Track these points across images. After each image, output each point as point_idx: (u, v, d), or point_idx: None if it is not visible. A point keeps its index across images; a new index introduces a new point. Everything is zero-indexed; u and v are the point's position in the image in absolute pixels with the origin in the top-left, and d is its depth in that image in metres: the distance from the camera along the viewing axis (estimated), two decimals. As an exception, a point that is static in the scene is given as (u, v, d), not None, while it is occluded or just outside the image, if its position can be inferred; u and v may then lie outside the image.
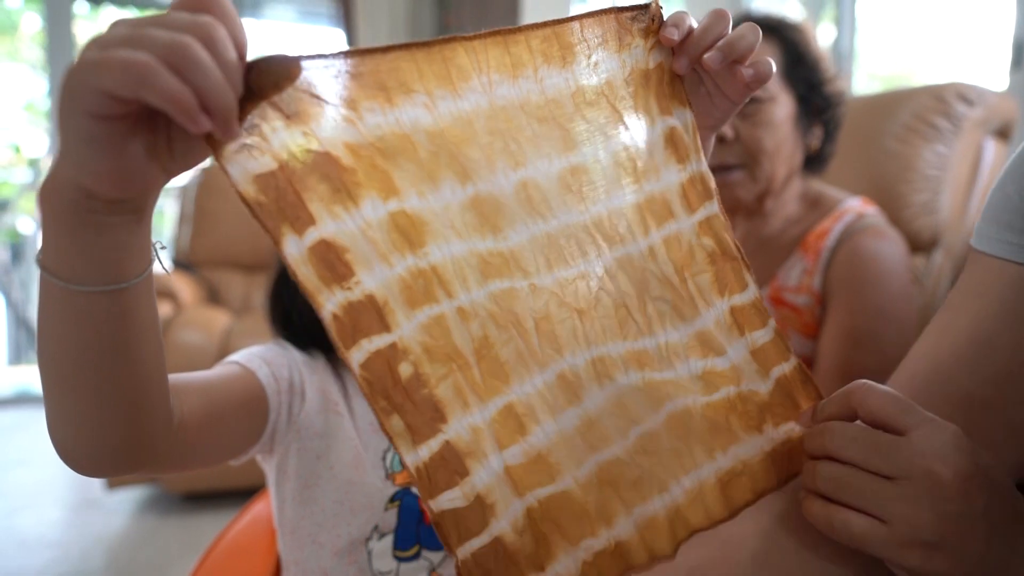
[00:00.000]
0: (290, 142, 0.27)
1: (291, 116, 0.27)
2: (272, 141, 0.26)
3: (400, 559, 0.51)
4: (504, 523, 0.30)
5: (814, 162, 0.84)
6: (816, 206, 0.85)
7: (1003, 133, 1.18)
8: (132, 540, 1.59)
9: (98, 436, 0.33)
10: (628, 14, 0.35)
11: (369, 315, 0.28)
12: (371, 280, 0.28)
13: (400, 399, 0.28)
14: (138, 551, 1.53)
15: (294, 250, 0.27)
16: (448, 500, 0.29)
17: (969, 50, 1.97)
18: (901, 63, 2.43)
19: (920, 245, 1.10)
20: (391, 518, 0.51)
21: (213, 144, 0.25)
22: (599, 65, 0.35)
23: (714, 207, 0.39)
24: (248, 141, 0.26)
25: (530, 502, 0.31)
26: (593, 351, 0.34)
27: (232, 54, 0.24)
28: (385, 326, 0.28)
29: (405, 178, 0.29)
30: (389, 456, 0.53)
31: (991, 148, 1.16)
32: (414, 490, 0.51)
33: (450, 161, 0.31)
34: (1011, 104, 1.16)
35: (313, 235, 0.27)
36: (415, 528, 0.51)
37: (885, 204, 1.09)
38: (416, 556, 0.51)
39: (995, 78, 1.51)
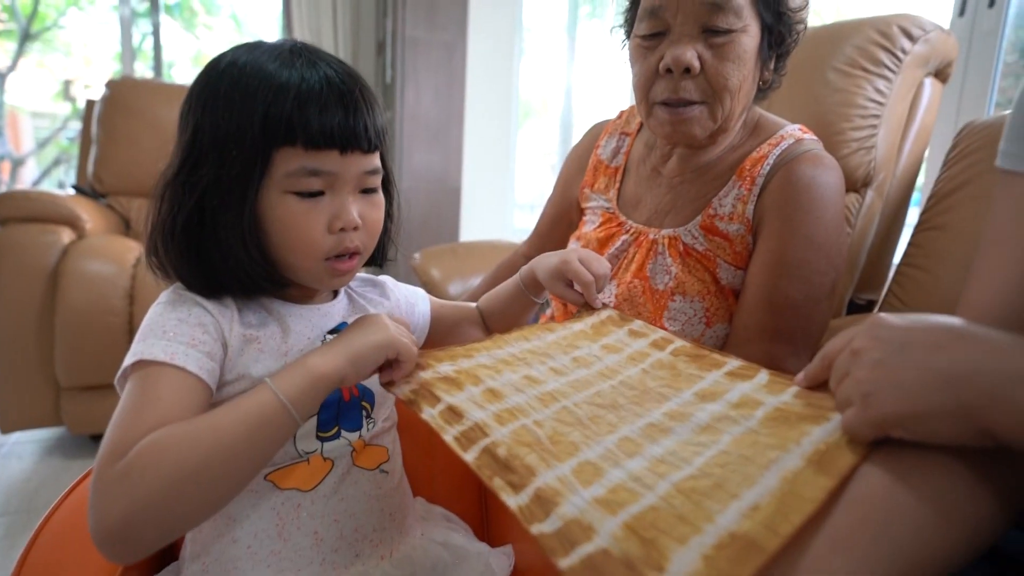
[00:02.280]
0: (424, 375, 0.51)
1: (425, 367, 0.52)
2: (415, 376, 0.51)
3: (322, 439, 0.55)
4: (605, 537, 0.35)
5: (762, 89, 0.79)
6: (755, 132, 0.81)
7: (941, 73, 1.16)
8: (37, 482, 1.49)
9: (186, 526, 0.46)
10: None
11: (475, 432, 0.44)
12: (475, 415, 0.46)
13: (499, 468, 0.41)
14: (44, 493, 1.43)
15: (430, 413, 0.47)
16: (546, 526, 0.36)
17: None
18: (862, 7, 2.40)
19: (854, 183, 1.09)
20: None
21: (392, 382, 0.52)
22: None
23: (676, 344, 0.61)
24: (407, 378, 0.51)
25: (625, 518, 0.36)
26: (640, 422, 0.47)
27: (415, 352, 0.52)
28: (485, 434, 0.44)
29: (485, 375, 0.52)
30: (326, 342, 0.54)
31: (929, 87, 1.15)
32: None
33: (507, 366, 0.55)
34: (952, 42, 1.14)
35: (440, 405, 0.47)
36: (335, 412, 0.55)
37: (823, 138, 1.06)
38: (336, 436, 0.55)
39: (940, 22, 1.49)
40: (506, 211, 3.14)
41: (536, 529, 0.35)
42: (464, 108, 2.90)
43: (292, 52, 0.52)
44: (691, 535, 0.35)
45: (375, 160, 0.54)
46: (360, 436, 0.56)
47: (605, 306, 0.68)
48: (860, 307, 1.18)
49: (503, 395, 0.49)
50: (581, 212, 0.95)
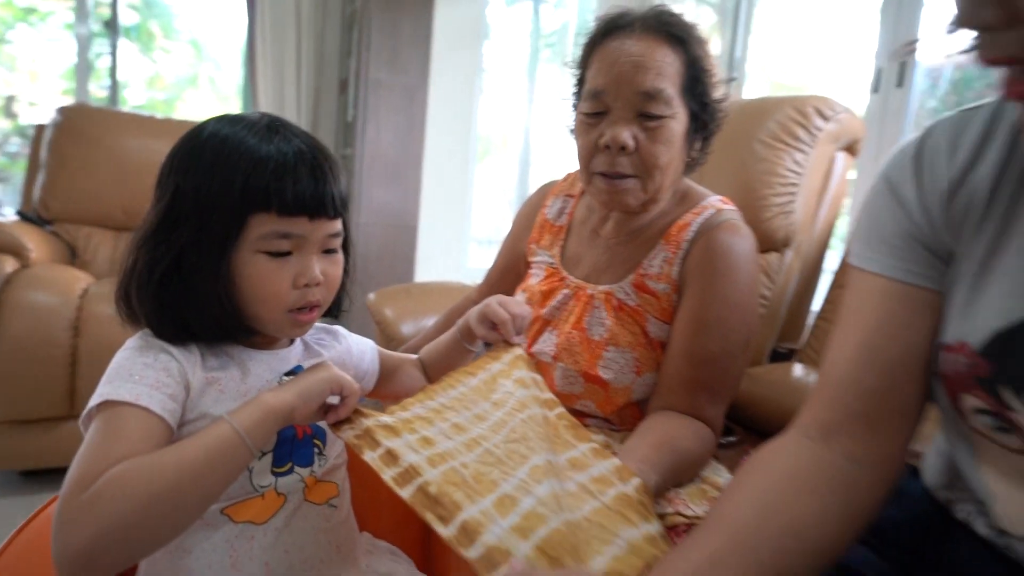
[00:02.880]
0: (367, 423, 0.56)
1: (367, 416, 0.58)
2: (359, 423, 0.57)
3: (276, 474, 0.59)
4: (520, 559, 0.45)
5: (689, 165, 0.89)
6: (682, 201, 0.90)
7: (851, 148, 1.31)
8: (-40, 518, 1.43)
9: (148, 551, 0.52)
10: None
11: (410, 473, 0.51)
12: (410, 458, 0.52)
13: (431, 504, 0.49)
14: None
15: (371, 456, 0.53)
16: (472, 552, 0.45)
17: (848, 67, 2.16)
18: (794, 72, 2.60)
19: (775, 244, 1.21)
20: (270, 442, 0.58)
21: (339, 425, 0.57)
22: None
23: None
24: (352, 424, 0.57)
25: (535, 542, 0.47)
26: (543, 456, 0.59)
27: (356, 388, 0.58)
28: (418, 474, 0.51)
29: (419, 425, 0.59)
30: (281, 383, 0.60)
31: (841, 160, 1.29)
32: None
33: (438, 415, 0.62)
34: (859, 123, 1.28)
35: (380, 449, 0.54)
36: (289, 448, 0.60)
37: (748, 203, 1.18)
38: (290, 471, 0.60)
39: (860, 98, 1.65)
40: (461, 249, 3.21)
41: (465, 554, 0.45)
42: (423, 149, 2.98)
43: (269, 128, 0.58)
44: (592, 555, 0.49)
45: (338, 224, 0.61)
46: (312, 472, 0.61)
47: (520, 344, 0.77)
48: (782, 355, 1.29)
49: (434, 442, 0.56)
50: (528, 265, 1.03)
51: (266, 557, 0.55)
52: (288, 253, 0.57)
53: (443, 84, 3.01)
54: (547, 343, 0.90)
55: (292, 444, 0.60)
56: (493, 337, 0.76)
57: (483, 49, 3.12)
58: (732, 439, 1.00)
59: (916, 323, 0.49)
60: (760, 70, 2.35)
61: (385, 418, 0.58)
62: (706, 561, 0.44)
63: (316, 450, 0.62)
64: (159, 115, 2.42)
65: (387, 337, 1.54)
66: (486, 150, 3.22)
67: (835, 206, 1.29)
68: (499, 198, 3.58)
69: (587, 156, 0.85)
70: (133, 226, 2.40)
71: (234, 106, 3.46)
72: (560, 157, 3.39)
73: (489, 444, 0.58)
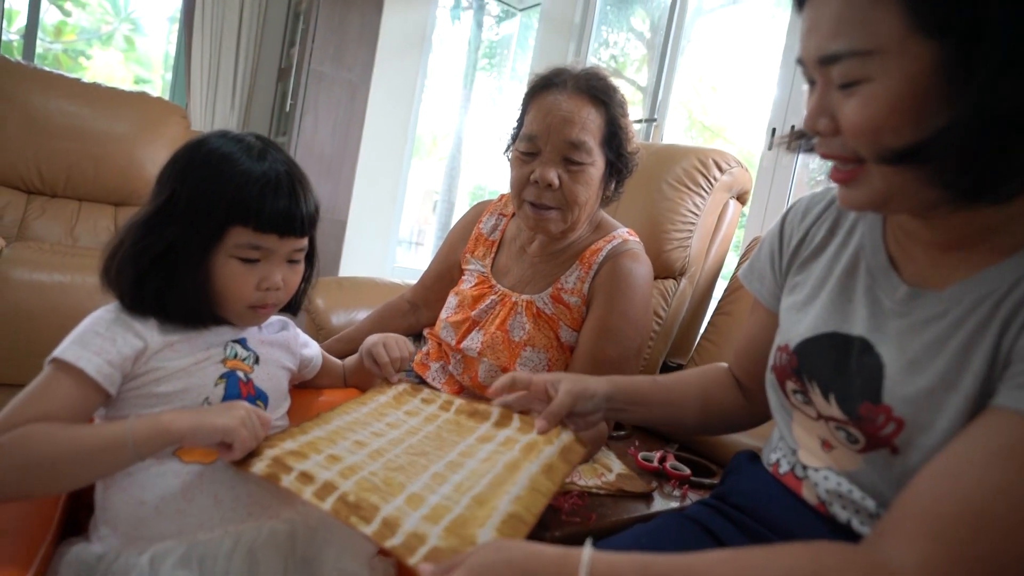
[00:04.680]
0: (272, 452, 0.64)
1: (273, 446, 0.65)
2: (266, 454, 0.64)
3: None
4: (434, 539, 0.53)
5: (604, 201, 1.06)
6: (597, 230, 1.07)
7: (741, 197, 1.54)
8: None
9: (36, 496, 0.65)
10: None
11: (327, 488, 0.59)
12: (323, 476, 0.61)
13: (352, 510, 0.56)
14: None
15: (288, 480, 0.60)
16: (395, 540, 0.52)
17: (753, 117, 2.44)
18: (709, 113, 2.86)
19: (672, 271, 1.41)
20: (219, 391, 0.68)
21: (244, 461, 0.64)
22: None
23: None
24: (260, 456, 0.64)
25: (444, 524, 0.55)
26: (442, 462, 0.67)
27: (261, 433, 0.65)
28: (335, 487, 0.59)
29: (323, 445, 0.67)
30: (229, 348, 0.72)
31: (732, 207, 1.51)
32: (238, 372, 0.71)
33: (339, 436, 0.71)
34: (749, 177, 1.52)
35: (294, 473, 0.61)
36: (237, 397, 0.69)
37: (653, 235, 1.38)
38: None
39: (758, 147, 1.90)
40: (388, 247, 3.28)
41: (388, 544, 0.52)
42: (360, 145, 3.03)
43: (261, 153, 0.69)
44: (487, 520, 0.55)
45: (303, 241, 0.73)
46: None
47: (401, 381, 0.88)
48: (671, 367, 1.50)
49: (341, 458, 0.64)
50: (461, 272, 1.17)
51: (215, 490, 0.64)
52: (257, 260, 0.69)
53: (384, 84, 3.07)
54: (474, 340, 1.04)
55: (238, 395, 0.70)
56: (376, 372, 0.87)
57: (426, 54, 3.22)
58: (622, 432, 1.18)
59: (767, 331, 0.71)
60: (682, 107, 2.59)
61: (289, 444, 0.65)
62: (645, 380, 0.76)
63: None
64: (68, 73, 2.27)
65: (317, 326, 1.62)
66: (415, 151, 3.32)
67: (724, 244, 1.51)
68: (424, 200, 3.65)
69: (519, 187, 1.00)
70: (50, 193, 2.31)
71: (157, 75, 3.36)
72: (487, 165, 3.51)
73: (391, 455, 0.66)
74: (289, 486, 0.59)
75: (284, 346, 0.80)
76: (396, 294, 1.32)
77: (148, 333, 0.67)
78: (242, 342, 0.74)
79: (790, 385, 0.64)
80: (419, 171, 3.52)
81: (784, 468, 0.67)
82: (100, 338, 0.64)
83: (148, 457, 0.62)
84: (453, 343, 1.07)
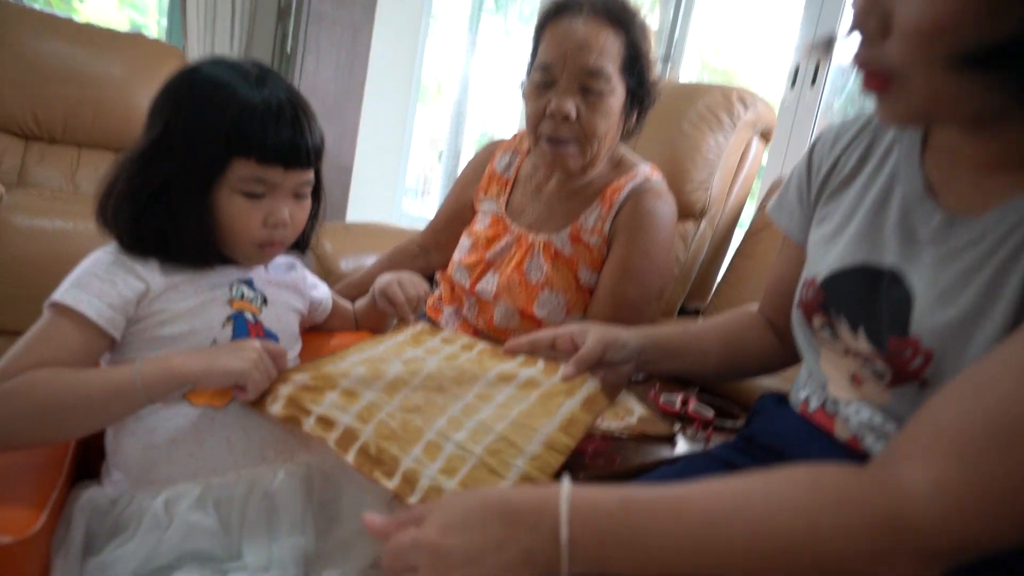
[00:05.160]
0: (286, 390, 0.62)
1: (286, 381, 0.64)
2: (278, 392, 0.62)
3: None
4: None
5: (625, 135, 1.01)
6: (617, 167, 1.02)
7: (765, 135, 1.47)
8: None
9: (44, 443, 0.61)
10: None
11: (348, 436, 0.59)
12: (343, 420, 0.60)
13: (374, 463, 0.56)
14: None
15: (309, 424, 0.60)
16: (414, 497, 0.53)
17: (773, 58, 2.33)
18: (725, 57, 2.74)
19: (692, 213, 1.36)
20: (227, 333, 0.66)
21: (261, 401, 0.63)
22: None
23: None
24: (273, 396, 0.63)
25: (459, 479, 0.55)
26: (459, 404, 0.65)
27: (274, 372, 0.63)
28: (356, 437, 0.58)
29: (339, 378, 0.65)
30: (235, 288, 0.68)
31: (755, 145, 1.45)
32: (246, 314, 0.68)
33: (353, 368, 0.68)
34: (773, 114, 1.45)
35: (312, 417, 0.60)
36: (245, 337, 0.66)
37: (673, 175, 1.32)
38: None
39: (778, 89, 1.82)
40: (395, 194, 3.22)
41: (409, 500, 0.52)
42: (364, 88, 2.93)
43: (259, 78, 0.64)
44: (499, 482, 0.55)
45: (310, 174, 0.68)
46: None
47: (417, 320, 0.83)
48: (688, 312, 1.46)
49: (358, 394, 0.62)
50: (474, 212, 1.12)
51: (227, 434, 0.63)
52: (262, 195, 0.65)
53: (388, 25, 2.96)
54: (489, 283, 1.01)
55: (247, 336, 0.67)
56: (392, 312, 0.83)
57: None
58: (642, 377, 1.15)
59: (797, 267, 0.68)
60: (695, 50, 2.48)
61: (301, 376, 0.63)
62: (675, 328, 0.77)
63: None
64: (63, 14, 2.22)
65: (325, 271, 1.59)
66: (419, 98, 3.21)
67: (746, 185, 1.45)
68: (430, 149, 3.56)
69: (534, 121, 0.94)
70: (48, 138, 2.27)
71: (152, 20, 3.25)
72: (495, 110, 3.40)
73: (407, 391, 0.64)
74: (311, 432, 0.58)
75: (292, 287, 0.77)
76: (405, 239, 1.28)
77: (149, 274, 0.63)
78: (248, 283, 0.70)
79: (817, 320, 0.62)
80: (424, 119, 3.43)
81: (814, 405, 0.65)
82: (99, 280, 0.61)
83: (158, 401, 0.60)
84: (467, 286, 1.03)
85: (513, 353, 0.74)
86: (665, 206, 0.97)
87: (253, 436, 0.64)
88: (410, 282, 0.83)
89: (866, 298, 0.56)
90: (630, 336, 0.71)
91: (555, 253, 0.98)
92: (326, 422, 0.59)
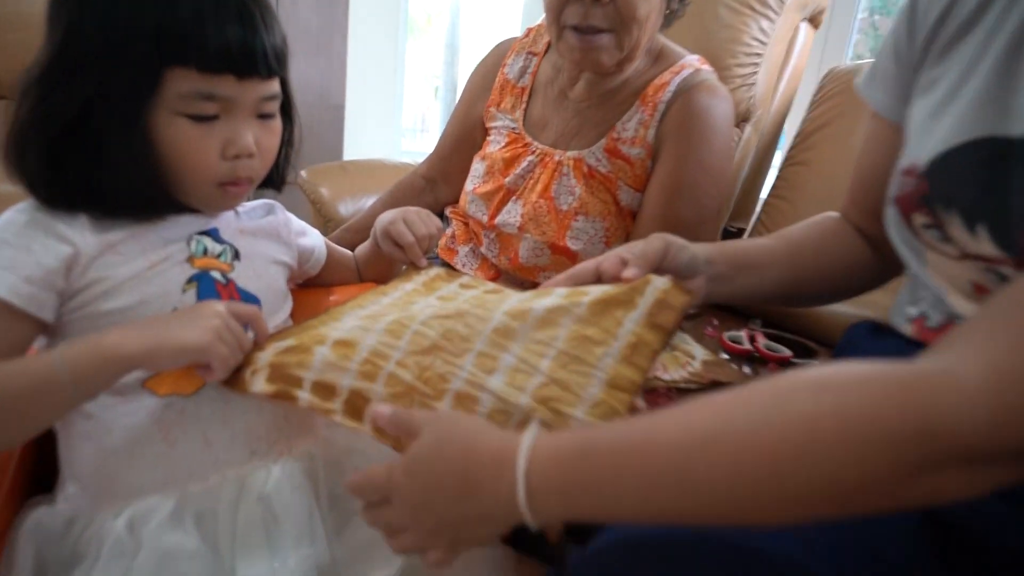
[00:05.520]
0: (266, 357, 0.49)
1: (264, 348, 0.50)
2: (257, 361, 0.49)
3: None
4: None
5: (668, 19, 0.82)
6: (658, 60, 0.84)
7: (815, 20, 1.26)
8: None
9: None
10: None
11: (356, 400, 0.46)
12: (344, 382, 0.46)
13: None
14: None
15: (305, 397, 0.47)
16: None
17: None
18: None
19: (735, 118, 1.18)
20: (190, 299, 0.51)
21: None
22: None
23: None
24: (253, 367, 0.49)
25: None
26: (486, 328, 0.50)
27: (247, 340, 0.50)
28: (366, 399, 0.46)
29: (327, 330, 0.50)
30: (194, 242, 0.54)
31: (804, 31, 1.24)
32: (212, 273, 0.53)
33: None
34: (825, -10, 1.23)
35: (306, 386, 0.47)
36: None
37: (712, 74, 1.13)
38: None
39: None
40: (393, 133, 3.02)
41: None
42: (348, 20, 2.69)
43: None
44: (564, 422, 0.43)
45: (274, 86, 0.52)
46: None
47: (431, 264, 0.68)
48: (731, 234, 1.30)
49: (355, 343, 0.48)
50: (486, 132, 0.95)
51: (202, 429, 0.49)
52: (215, 117, 0.49)
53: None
54: (512, 214, 0.85)
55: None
56: (399, 256, 0.67)
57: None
58: (692, 312, 1.01)
59: (893, 152, 0.55)
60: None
61: (285, 342, 0.49)
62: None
63: None
64: None
65: (324, 218, 1.44)
66: (409, 31, 2.96)
67: (795, 80, 1.26)
68: (425, 86, 3.33)
69: (557, 7, 0.76)
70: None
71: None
72: (490, 39, 3.16)
73: (417, 324, 0.49)
74: (310, 404, 0.45)
75: (272, 234, 0.62)
76: (408, 173, 1.11)
77: (77, 234, 0.49)
78: (212, 233, 0.55)
79: (918, 219, 0.50)
80: (416, 54, 3.19)
81: (935, 321, 0.53)
82: (12, 248, 0.47)
83: (97, 393, 0.46)
84: (485, 219, 0.88)
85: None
86: (721, 104, 0.79)
87: (236, 427, 0.50)
88: (418, 218, 0.68)
89: (988, 184, 0.45)
90: (694, 244, 0.58)
91: (588, 171, 0.81)
92: (325, 388, 0.46)
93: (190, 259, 0.53)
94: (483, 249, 0.91)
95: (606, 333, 0.47)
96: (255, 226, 0.60)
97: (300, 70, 2.61)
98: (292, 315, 0.64)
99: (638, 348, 0.47)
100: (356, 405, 0.44)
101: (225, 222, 0.58)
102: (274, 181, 0.60)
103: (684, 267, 0.56)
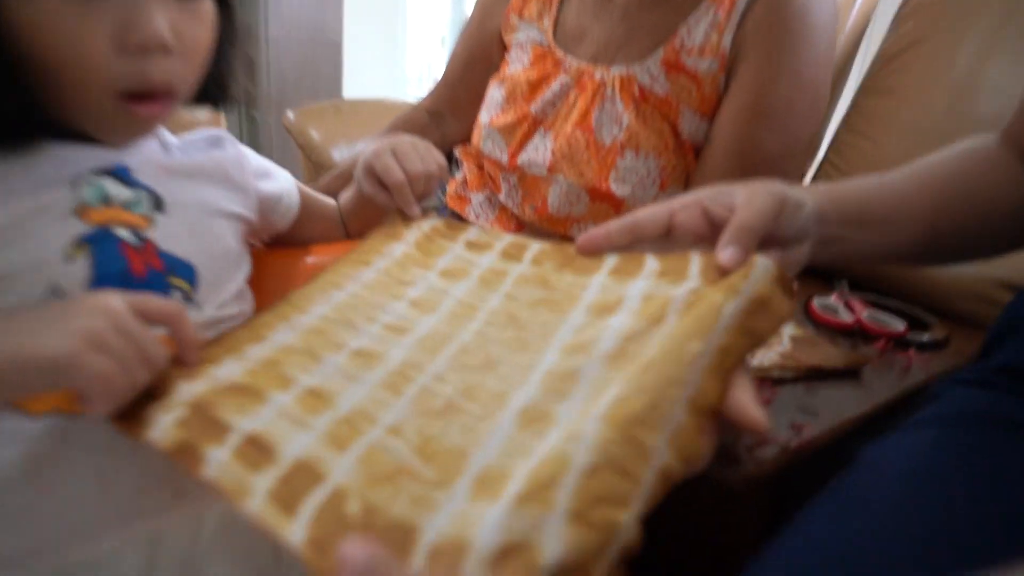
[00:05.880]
0: (193, 389, 0.31)
1: (193, 376, 0.31)
2: (176, 396, 0.30)
3: None
4: None
5: None
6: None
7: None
8: None
9: None
10: None
11: (301, 478, 0.26)
12: (293, 444, 0.28)
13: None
14: None
15: (218, 459, 0.27)
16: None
17: None
18: None
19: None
20: (79, 273, 0.35)
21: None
22: None
23: None
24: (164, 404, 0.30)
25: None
26: (533, 377, 0.33)
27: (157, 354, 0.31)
28: (318, 477, 0.26)
29: (295, 367, 0.33)
30: (88, 188, 0.37)
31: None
32: (118, 232, 0.37)
33: (322, 339, 0.36)
34: None
35: (233, 439, 0.28)
36: (117, 279, 0.35)
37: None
38: None
39: None
40: (397, 77, 2.80)
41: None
42: (341, -56, 2.44)
43: None
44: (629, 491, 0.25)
45: None
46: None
47: (426, 213, 0.51)
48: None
49: (330, 395, 0.31)
50: (505, 48, 0.75)
51: (96, 462, 0.33)
52: None
53: None
54: (539, 151, 0.67)
55: (126, 280, 0.36)
56: (384, 200, 0.51)
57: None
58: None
59: None
60: None
61: (230, 367, 0.32)
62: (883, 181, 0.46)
63: (181, 295, 0.39)
64: None
65: (316, 165, 1.26)
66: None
67: (872, -8, 1.04)
68: (431, 35, 3.07)
69: None
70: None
71: None
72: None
73: (427, 378, 0.33)
74: (219, 474, 0.26)
75: (217, 176, 0.45)
76: (409, 108, 0.93)
77: None
78: (119, 174, 0.39)
79: None
80: (421, 2, 2.92)
81: None
82: None
83: None
84: (504, 159, 0.70)
85: (595, 252, 0.42)
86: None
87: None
88: (412, 150, 0.50)
89: None
90: (804, 194, 0.41)
91: (640, 93, 0.63)
92: (260, 448, 0.27)
93: (81, 210, 0.36)
94: (502, 197, 0.73)
95: (700, 332, 0.31)
96: (190, 164, 0.43)
97: (290, 1, 2.38)
98: (251, 282, 0.47)
99: (726, 353, 0.30)
100: (295, 488, 0.26)
101: (142, 158, 0.41)
102: (210, 94, 0.43)
103: (794, 234, 0.38)
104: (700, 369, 0.29)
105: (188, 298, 0.39)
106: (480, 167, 0.78)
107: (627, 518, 0.23)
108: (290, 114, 1.35)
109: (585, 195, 0.65)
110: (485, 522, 0.23)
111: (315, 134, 1.29)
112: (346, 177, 0.80)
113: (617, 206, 0.65)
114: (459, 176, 0.82)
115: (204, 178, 0.44)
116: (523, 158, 0.68)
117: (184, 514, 0.33)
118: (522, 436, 0.28)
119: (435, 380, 0.33)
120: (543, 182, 0.67)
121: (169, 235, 0.39)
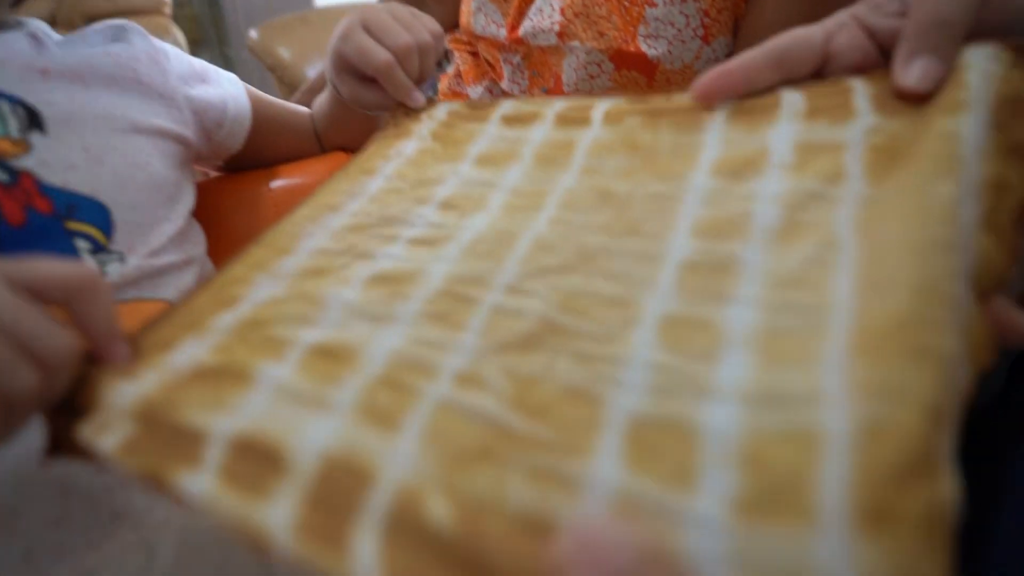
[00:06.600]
0: (145, 388, 0.20)
1: (134, 370, 0.21)
2: (123, 393, 0.20)
3: None
4: None
5: None
6: None
7: None
8: None
9: None
10: None
11: (338, 484, 0.17)
12: (313, 439, 0.18)
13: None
14: None
15: (200, 486, 0.17)
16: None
17: None
18: None
19: None
20: None
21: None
22: None
23: None
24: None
25: None
26: (662, 275, 0.22)
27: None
28: (366, 478, 0.17)
29: (292, 319, 0.23)
30: None
31: None
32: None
33: (324, 279, 0.25)
34: None
35: (213, 451, 0.18)
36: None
37: None
38: None
39: None
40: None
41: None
42: None
43: None
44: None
45: None
46: None
47: (432, 101, 0.38)
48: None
49: (350, 349, 0.21)
50: None
51: (14, 464, 0.23)
52: None
53: None
54: (544, 13, 0.53)
55: (7, 242, 0.27)
56: (369, 100, 0.38)
57: None
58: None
59: None
60: None
61: (192, 347, 0.22)
62: None
63: (88, 243, 0.28)
64: None
65: (289, 87, 1.12)
66: None
67: None
68: None
69: None
70: None
71: None
72: None
73: (495, 292, 0.23)
74: (215, 513, 0.17)
75: (123, 77, 0.33)
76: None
77: None
78: None
79: None
80: None
81: None
82: None
83: None
84: (503, 34, 0.57)
85: (724, 98, 0.29)
86: None
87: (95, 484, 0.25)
88: (391, 19, 0.38)
89: None
90: None
91: (668, -85, 0.48)
92: (254, 457, 0.18)
93: None
94: (505, 83, 0.60)
95: (936, 167, 0.20)
96: (77, 63, 0.32)
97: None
98: (203, 222, 0.37)
99: (1004, 191, 0.20)
100: (333, 506, 0.16)
101: (7, 55, 0.29)
102: None
103: (1006, 26, 0.26)
104: (968, 224, 0.18)
105: (101, 247, 0.29)
106: (475, 53, 0.64)
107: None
108: (253, 33, 1.20)
109: (608, 62, 0.52)
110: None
111: (284, 52, 1.15)
112: (316, 91, 0.68)
113: (650, 71, 0.52)
114: (451, 70, 0.69)
115: (102, 82, 0.32)
116: (526, 28, 0.55)
117: (135, 538, 0.24)
118: (678, 362, 0.18)
119: (509, 294, 0.22)
120: (554, 54, 0.54)
121: (56, 163, 0.28)
